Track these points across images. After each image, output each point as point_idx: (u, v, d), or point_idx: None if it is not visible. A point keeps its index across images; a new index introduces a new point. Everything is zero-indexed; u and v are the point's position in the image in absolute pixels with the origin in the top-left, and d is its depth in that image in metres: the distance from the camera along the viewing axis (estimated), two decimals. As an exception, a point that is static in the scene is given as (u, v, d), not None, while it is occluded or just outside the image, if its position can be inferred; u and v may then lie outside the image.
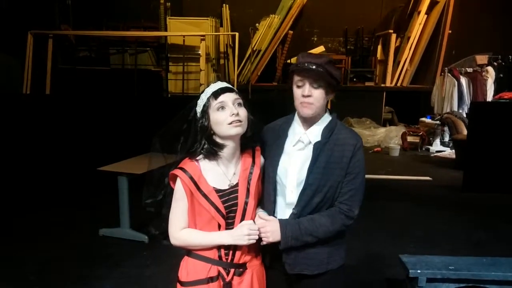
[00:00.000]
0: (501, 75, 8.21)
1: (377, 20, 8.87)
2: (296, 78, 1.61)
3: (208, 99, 1.57)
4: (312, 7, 8.72)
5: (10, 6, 6.61)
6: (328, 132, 1.64)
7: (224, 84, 1.60)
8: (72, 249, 3.81)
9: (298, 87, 1.61)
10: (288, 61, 8.57)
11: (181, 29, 7.23)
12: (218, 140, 1.58)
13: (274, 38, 8.13)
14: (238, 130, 1.55)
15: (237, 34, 6.82)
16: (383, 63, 8.68)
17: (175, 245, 1.65)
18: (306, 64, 1.57)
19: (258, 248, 1.67)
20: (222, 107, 1.54)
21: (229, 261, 1.61)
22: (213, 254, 1.60)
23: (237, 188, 1.60)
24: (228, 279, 1.60)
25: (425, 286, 2.46)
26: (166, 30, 7.46)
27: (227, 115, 1.53)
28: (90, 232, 4.09)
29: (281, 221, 1.61)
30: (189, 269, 1.63)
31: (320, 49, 8.92)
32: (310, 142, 1.65)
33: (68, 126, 5.91)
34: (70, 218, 4.56)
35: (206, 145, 1.58)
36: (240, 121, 1.54)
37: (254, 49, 7.97)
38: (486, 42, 8.32)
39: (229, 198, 1.58)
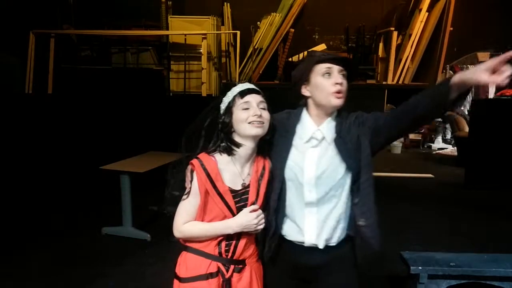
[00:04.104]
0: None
1: (379, 18, 8.85)
2: (322, 67, 1.59)
3: (234, 97, 1.61)
4: (313, 5, 8.70)
5: (12, 5, 6.63)
6: (340, 126, 1.63)
7: (251, 86, 1.64)
8: (75, 247, 3.83)
9: (326, 76, 1.59)
10: (290, 59, 8.56)
11: (182, 28, 7.23)
12: (237, 138, 1.60)
13: (276, 36, 8.12)
14: (258, 131, 1.57)
15: (238, 32, 6.82)
16: (384, 60, 8.66)
17: (178, 237, 1.67)
18: (330, 54, 1.61)
19: (256, 244, 1.68)
20: (247, 107, 1.58)
21: (229, 257, 1.62)
22: (213, 250, 1.61)
23: (248, 189, 1.62)
24: (227, 275, 1.61)
25: (426, 282, 2.47)
26: (167, 29, 7.46)
27: (249, 115, 1.57)
28: (93, 231, 4.11)
29: None
30: (187, 265, 1.64)
31: (321, 46, 8.91)
32: (323, 138, 1.63)
33: (70, 125, 5.93)
34: (72, 217, 4.58)
35: (223, 143, 1.61)
36: (262, 122, 1.57)
37: (256, 47, 7.97)
38: (487, 39, 8.30)
39: (241, 198, 1.60)
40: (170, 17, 7.45)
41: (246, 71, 7.97)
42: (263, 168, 1.66)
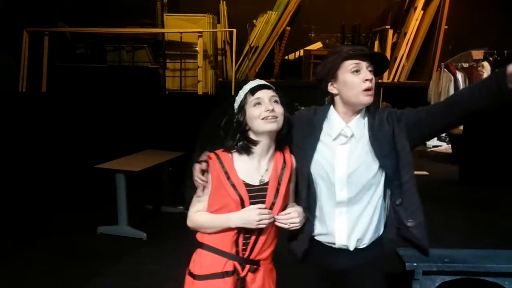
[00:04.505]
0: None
1: (374, 16, 8.86)
2: (350, 63, 1.53)
3: (245, 95, 1.60)
4: (309, 3, 8.70)
5: (5, 3, 6.58)
6: (371, 123, 1.58)
7: (261, 82, 1.63)
8: (71, 247, 3.82)
9: (355, 72, 1.53)
10: (286, 57, 8.57)
11: (178, 26, 7.21)
12: (252, 136, 1.59)
13: (272, 35, 8.11)
14: (272, 126, 1.56)
15: (234, 30, 6.80)
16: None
17: (189, 226, 1.67)
18: (358, 50, 1.55)
19: (273, 248, 1.66)
20: (258, 103, 1.56)
21: (245, 256, 1.60)
22: (231, 248, 1.59)
23: (267, 186, 1.59)
24: (243, 274, 1.59)
25: (421, 279, 2.48)
26: (163, 27, 7.44)
27: (262, 111, 1.55)
28: (88, 230, 4.11)
29: None
30: (203, 262, 1.62)
31: (318, 45, 8.91)
32: (353, 135, 1.58)
33: (65, 123, 5.90)
34: (68, 216, 4.57)
35: (240, 142, 1.60)
36: (275, 117, 1.55)
37: (252, 45, 7.96)
38: (482, 37, 8.33)
39: (258, 195, 1.57)
40: (166, 15, 7.42)
41: (243, 69, 7.96)
42: (283, 166, 1.62)
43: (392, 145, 1.55)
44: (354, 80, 1.53)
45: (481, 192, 5.32)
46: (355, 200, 1.57)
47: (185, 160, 4.32)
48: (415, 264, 2.46)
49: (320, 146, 1.61)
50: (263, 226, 1.55)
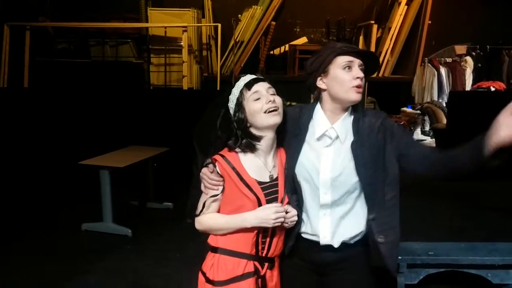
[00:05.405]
0: (479, 65, 8.37)
1: (359, 11, 8.90)
2: (343, 60, 1.52)
3: (241, 91, 1.54)
4: (294, -2, 8.71)
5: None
6: (357, 126, 1.57)
7: (254, 76, 1.58)
8: (54, 244, 3.77)
9: (347, 69, 1.53)
10: (271, 52, 8.55)
11: (162, 20, 7.13)
12: (255, 132, 1.54)
13: (257, 29, 8.09)
14: (276, 119, 1.52)
15: (219, 25, 6.76)
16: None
17: (199, 229, 1.60)
18: (352, 47, 1.55)
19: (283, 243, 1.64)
20: (258, 97, 1.52)
21: (263, 255, 1.57)
22: (251, 249, 1.55)
23: (277, 182, 1.56)
24: (262, 272, 1.57)
25: (406, 272, 2.51)
26: (147, 21, 7.35)
27: (263, 104, 1.51)
28: (72, 227, 4.05)
29: None
30: (222, 267, 1.55)
31: (303, 40, 8.92)
32: (337, 137, 1.56)
33: (48, 119, 5.80)
34: (51, 213, 4.50)
35: (244, 140, 1.54)
36: (277, 108, 1.52)
37: (237, 40, 7.92)
38: (465, 32, 8.44)
39: (270, 191, 1.55)
40: (150, 9, 7.33)
41: (228, 64, 7.92)
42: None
43: (377, 157, 1.54)
44: (345, 76, 1.52)
45: (465, 185, 5.39)
46: (339, 202, 1.58)
47: (169, 156, 4.29)
48: (400, 257, 2.49)
49: (305, 148, 1.59)
50: (279, 224, 1.52)
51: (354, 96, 1.53)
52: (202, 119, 1.63)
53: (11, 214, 4.44)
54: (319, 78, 1.58)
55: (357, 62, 1.53)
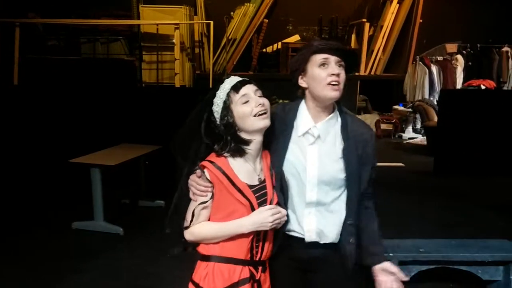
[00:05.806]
0: (470, 63, 8.44)
1: (351, 9, 8.93)
2: (319, 57, 1.52)
3: (228, 94, 1.48)
4: (286, -5, 8.71)
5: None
6: (347, 132, 1.60)
7: (239, 78, 1.53)
8: (45, 243, 3.73)
9: (322, 66, 1.52)
10: (264, 50, 8.55)
11: (154, 18, 7.09)
12: (244, 136, 1.50)
13: (250, 27, 8.08)
14: (266, 122, 1.49)
15: (211, 22, 6.75)
16: (357, 52, 8.78)
17: (189, 240, 1.54)
18: (328, 44, 1.54)
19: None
20: (246, 100, 1.48)
21: (257, 259, 1.55)
22: (246, 255, 1.52)
23: (265, 183, 1.55)
24: (258, 276, 1.55)
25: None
26: (138, 18, 7.31)
27: (252, 107, 1.47)
28: (63, 226, 4.01)
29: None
30: (217, 276, 1.50)
31: (295, 37, 8.93)
32: (319, 137, 1.58)
33: (38, 117, 5.74)
34: (41, 211, 4.46)
35: (232, 144, 1.50)
36: (266, 111, 1.49)
37: (229, 38, 7.91)
38: (456, 31, 8.51)
39: (260, 194, 1.53)
40: (141, 6, 7.30)
41: (220, 61, 7.91)
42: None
43: (359, 165, 1.60)
44: (321, 73, 1.52)
45: (456, 182, 5.45)
46: (325, 200, 1.59)
47: (161, 154, 4.26)
48: (391, 254, 2.50)
49: (292, 145, 1.60)
50: (277, 226, 1.51)
51: (331, 93, 1.53)
52: (182, 128, 1.57)
53: (0, 213, 4.40)
54: (299, 77, 1.59)
55: (333, 59, 1.53)
